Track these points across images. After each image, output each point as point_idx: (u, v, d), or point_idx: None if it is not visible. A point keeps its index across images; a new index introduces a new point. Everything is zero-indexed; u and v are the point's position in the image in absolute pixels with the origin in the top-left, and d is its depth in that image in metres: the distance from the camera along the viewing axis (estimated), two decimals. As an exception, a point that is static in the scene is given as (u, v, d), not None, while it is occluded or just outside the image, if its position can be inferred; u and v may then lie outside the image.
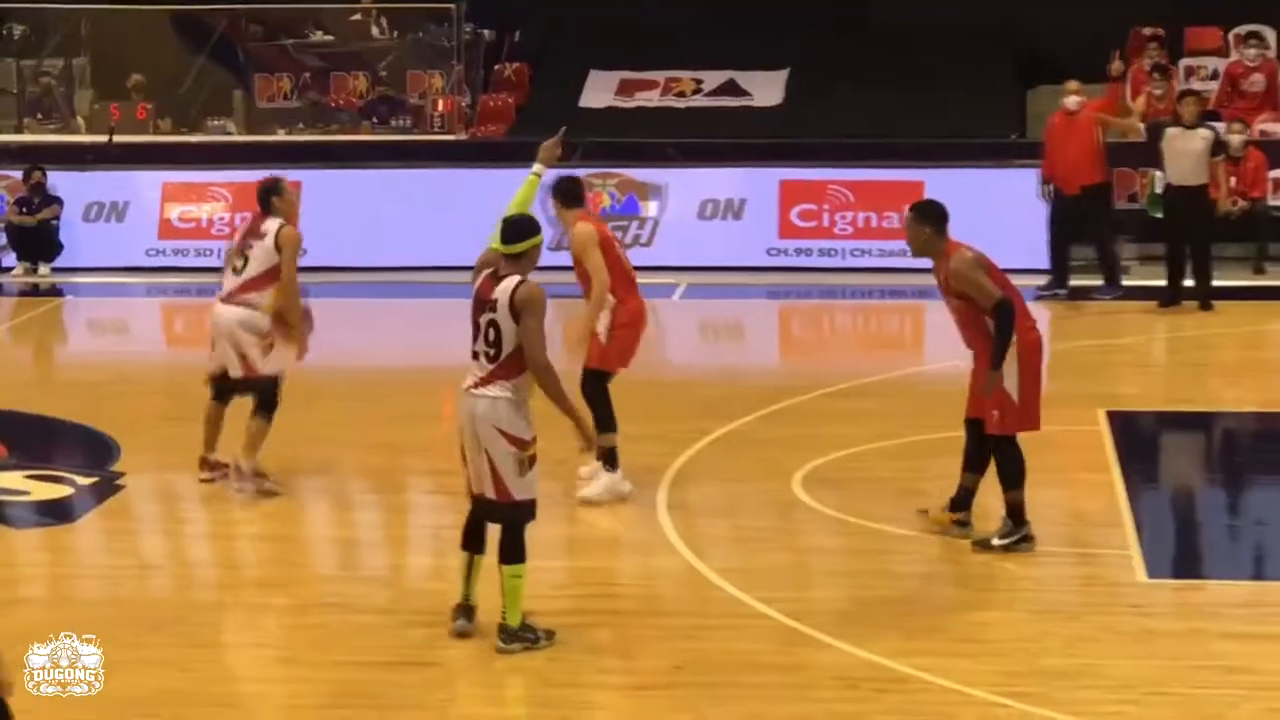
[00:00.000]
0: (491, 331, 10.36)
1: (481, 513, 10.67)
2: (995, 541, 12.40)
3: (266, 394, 13.66)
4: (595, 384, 13.46)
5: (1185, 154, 20.06)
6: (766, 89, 24.30)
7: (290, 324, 13.72)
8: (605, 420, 13.23)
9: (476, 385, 10.42)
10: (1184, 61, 24.39)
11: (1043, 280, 20.66)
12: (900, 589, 12.17)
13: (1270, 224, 22.32)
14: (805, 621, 11.32)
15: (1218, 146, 20.20)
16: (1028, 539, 12.41)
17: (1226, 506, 14.15)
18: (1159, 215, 21.16)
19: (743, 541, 13.01)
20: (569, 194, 13.71)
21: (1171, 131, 20.23)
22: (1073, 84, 20.86)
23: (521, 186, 12.51)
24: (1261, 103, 23.66)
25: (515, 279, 10.34)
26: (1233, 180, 22.04)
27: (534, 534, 12.10)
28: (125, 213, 23.40)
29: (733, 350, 19.67)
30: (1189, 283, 20.21)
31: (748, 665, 10.74)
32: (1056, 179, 20.76)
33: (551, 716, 10.24)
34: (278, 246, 13.46)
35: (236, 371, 13.67)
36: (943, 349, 16.42)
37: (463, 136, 24.38)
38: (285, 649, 10.93)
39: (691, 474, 14.42)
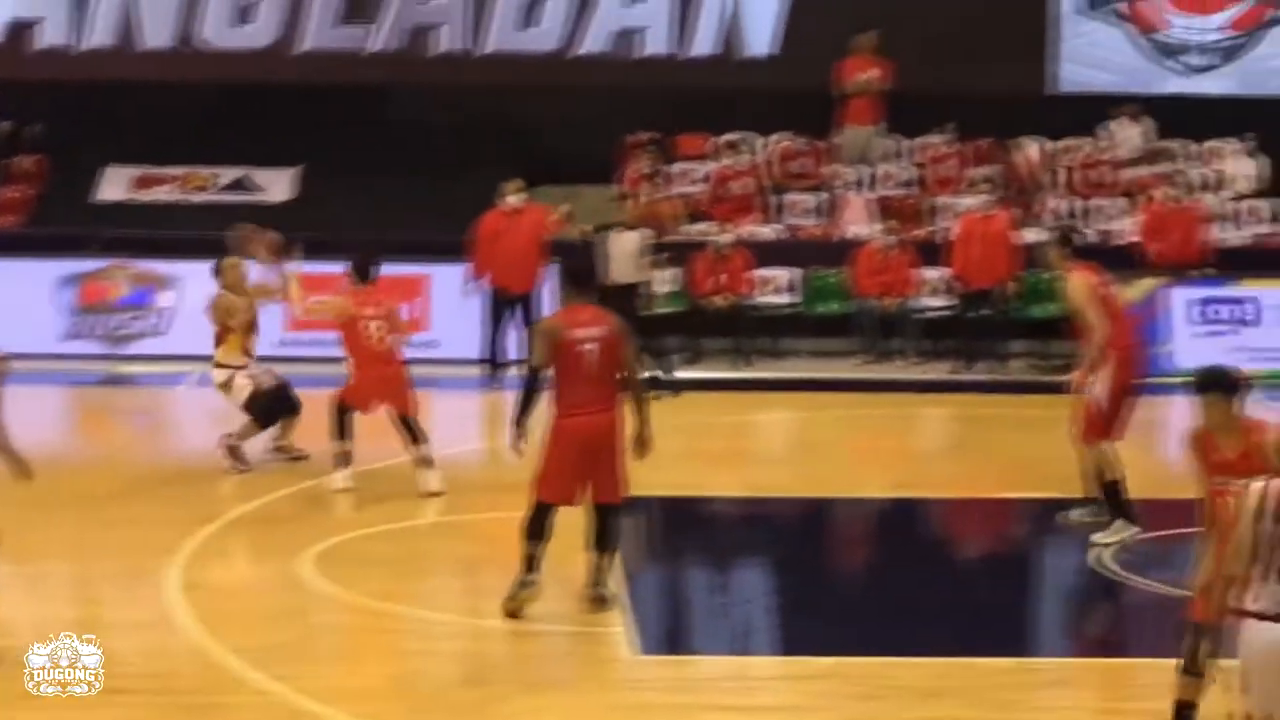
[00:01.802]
0: None
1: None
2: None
3: None
4: None
5: (622, 254, 20.63)
6: (277, 185, 24.19)
7: None
8: None
9: None
10: (676, 166, 24.84)
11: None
12: (409, 669, 12.13)
13: (753, 320, 22.86)
14: (314, 697, 11.22)
15: (653, 247, 20.77)
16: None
17: (715, 586, 14.32)
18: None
19: (254, 620, 12.84)
20: None
21: (613, 234, 20.72)
22: (513, 184, 21.19)
23: None
24: (747, 206, 24.20)
25: None
26: (722, 278, 22.57)
27: (42, 614, 11.75)
28: None
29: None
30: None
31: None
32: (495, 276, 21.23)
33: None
34: None
35: None
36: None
37: (-15, 225, 23.76)
38: None
39: (207, 553, 14.20)
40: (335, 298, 16.28)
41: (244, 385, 16.79)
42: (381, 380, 15.85)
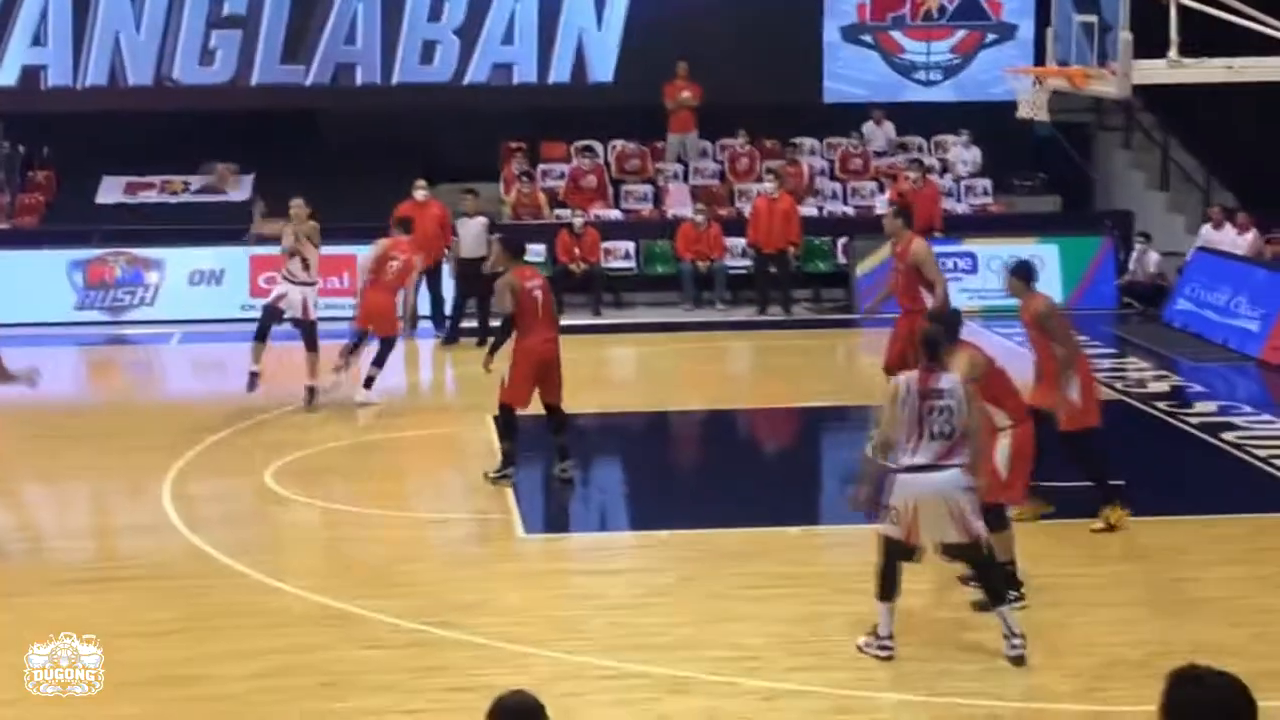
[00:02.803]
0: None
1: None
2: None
3: None
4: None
5: (469, 235, 20.50)
6: (237, 187, 23.88)
7: None
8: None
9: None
10: (541, 166, 24.77)
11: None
12: (352, 553, 12.09)
13: (602, 280, 22.86)
14: (282, 580, 11.17)
15: (493, 228, 20.55)
16: None
17: (580, 481, 14.19)
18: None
19: (230, 521, 12.76)
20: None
21: (462, 220, 20.66)
22: (419, 182, 20.93)
23: None
24: (595, 195, 24.19)
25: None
26: (576, 250, 22.53)
27: (63, 521, 11.56)
28: None
29: (216, 380, 19.17)
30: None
31: (238, 612, 10.53)
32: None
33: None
34: None
35: None
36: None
37: (5, 226, 23.33)
38: None
39: (189, 472, 14.06)
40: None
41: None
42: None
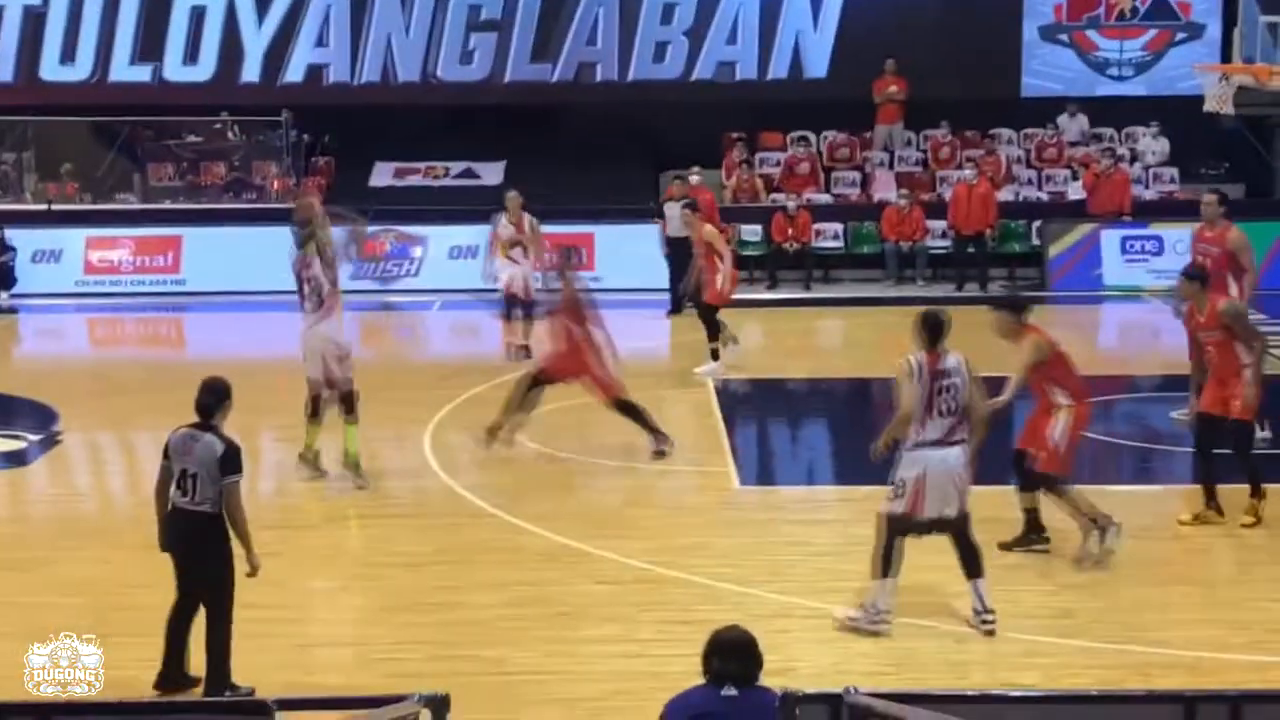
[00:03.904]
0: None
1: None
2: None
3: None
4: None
5: (674, 217, 19.84)
6: (491, 173, 24.23)
7: None
8: None
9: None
10: (759, 154, 24.69)
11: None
12: (586, 499, 12.25)
13: (813, 258, 22.74)
14: (520, 517, 11.38)
15: (691, 208, 18.76)
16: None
17: (792, 439, 14.30)
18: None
19: (479, 466, 13.01)
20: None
21: (669, 206, 20.23)
22: (695, 168, 21.20)
23: None
24: (808, 180, 24.07)
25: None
26: (789, 230, 22.45)
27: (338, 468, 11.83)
28: (60, 257, 22.64)
29: (473, 343, 19.57)
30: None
31: (484, 548, 10.77)
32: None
33: (368, 587, 10.13)
34: None
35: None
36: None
37: (291, 205, 23.89)
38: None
39: (447, 422, 14.38)
40: None
41: None
42: None
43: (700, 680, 5.76)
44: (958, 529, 9.33)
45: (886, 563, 9.23)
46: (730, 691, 5.68)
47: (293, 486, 12.32)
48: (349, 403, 12.19)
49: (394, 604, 9.67)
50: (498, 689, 8.43)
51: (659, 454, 12.91)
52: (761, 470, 13.59)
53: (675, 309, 20.37)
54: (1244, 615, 9.43)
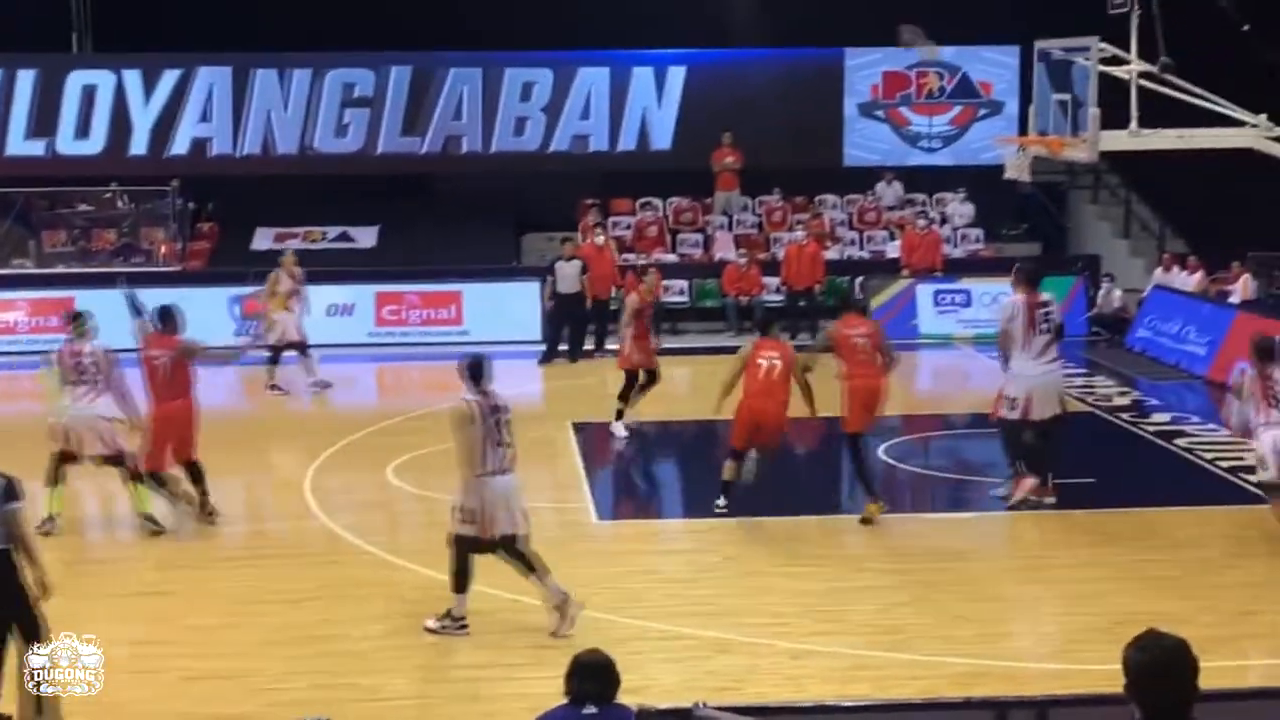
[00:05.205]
0: None
1: None
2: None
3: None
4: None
5: (566, 275, 20.27)
6: (366, 236, 24.05)
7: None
8: None
9: None
10: (611, 218, 24.78)
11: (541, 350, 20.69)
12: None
13: (660, 312, 22.67)
14: (397, 555, 11.22)
15: (585, 269, 20.27)
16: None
17: (643, 477, 14.31)
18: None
19: (357, 508, 12.83)
20: None
21: (560, 264, 20.46)
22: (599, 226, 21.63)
23: None
24: (656, 242, 24.23)
25: None
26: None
27: (226, 510, 11.53)
28: (-44, 319, 21.95)
29: (348, 394, 19.28)
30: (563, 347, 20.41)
31: (362, 583, 10.60)
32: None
33: (252, 622, 9.89)
34: None
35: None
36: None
37: (178, 268, 23.58)
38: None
39: (325, 468, 14.16)
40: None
41: None
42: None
43: (563, 700, 5.72)
44: (1056, 428, 11.72)
45: (1015, 453, 11.58)
46: (590, 710, 5.64)
47: (182, 528, 12.03)
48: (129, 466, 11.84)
49: (277, 638, 9.47)
50: (377, 714, 8.28)
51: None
52: (616, 505, 13.57)
53: (547, 359, 20.31)
54: (1047, 628, 9.63)
